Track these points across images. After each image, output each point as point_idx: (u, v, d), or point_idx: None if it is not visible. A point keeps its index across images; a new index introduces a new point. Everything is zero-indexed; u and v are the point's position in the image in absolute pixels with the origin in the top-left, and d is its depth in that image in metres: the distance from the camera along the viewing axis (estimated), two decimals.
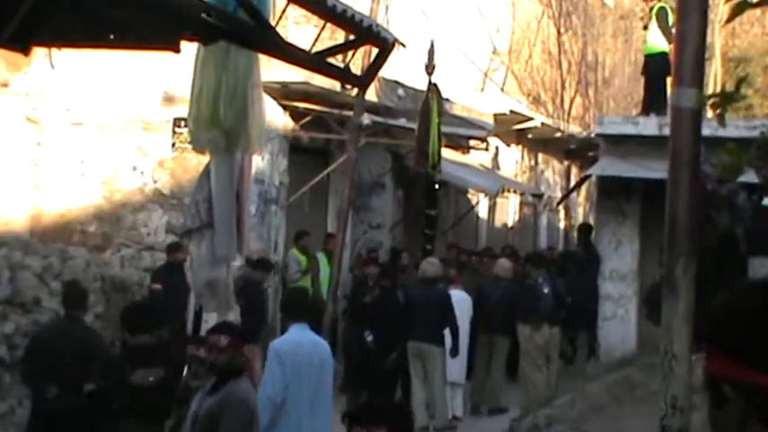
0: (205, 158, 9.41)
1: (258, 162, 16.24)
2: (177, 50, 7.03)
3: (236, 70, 8.48)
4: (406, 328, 15.20)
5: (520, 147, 28.69)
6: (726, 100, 6.77)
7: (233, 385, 7.74)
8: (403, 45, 14.15)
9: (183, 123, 17.20)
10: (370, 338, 15.70)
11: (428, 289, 15.45)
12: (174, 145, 17.62)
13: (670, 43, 17.80)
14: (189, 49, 7.43)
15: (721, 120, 7.09)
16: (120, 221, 17.47)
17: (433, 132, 18.23)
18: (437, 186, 20.22)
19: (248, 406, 7.70)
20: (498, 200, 26.57)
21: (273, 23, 7.81)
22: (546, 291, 16.23)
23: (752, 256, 12.90)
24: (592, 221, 23.35)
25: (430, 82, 18.41)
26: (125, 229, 17.42)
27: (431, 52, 18.42)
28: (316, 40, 8.67)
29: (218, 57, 8.47)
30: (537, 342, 16.16)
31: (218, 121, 8.51)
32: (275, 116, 17.78)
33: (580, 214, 31.85)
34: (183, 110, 17.03)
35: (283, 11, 8.46)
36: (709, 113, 13.33)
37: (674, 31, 15.98)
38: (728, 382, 2.02)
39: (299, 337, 9.04)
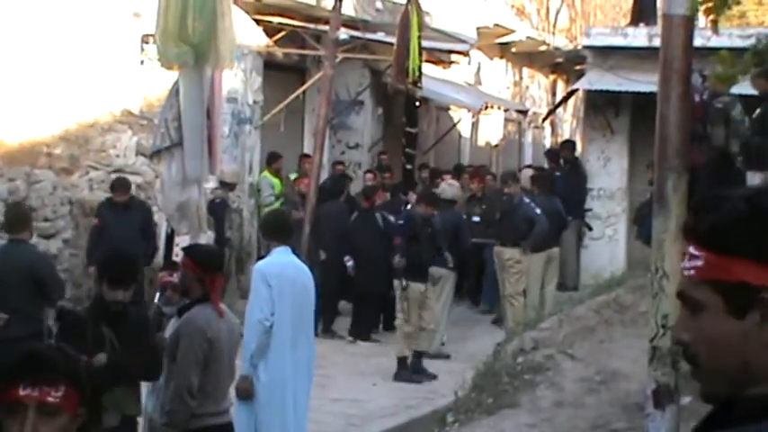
0: (174, 75, 9.08)
1: (231, 80, 15.91)
2: None
3: None
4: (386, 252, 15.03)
5: (504, 61, 28.19)
6: (720, 5, 6.49)
7: (193, 312, 7.60)
8: None
9: (150, 39, 16.69)
10: (350, 264, 15.87)
11: (444, 211, 15.30)
12: (142, 62, 17.21)
13: None
14: None
15: (715, 26, 6.81)
16: (87, 143, 16.97)
17: (413, 47, 17.64)
18: (417, 103, 19.73)
19: (205, 335, 7.51)
20: (481, 116, 26.22)
21: None
22: (538, 212, 15.76)
23: (750, 171, 12.59)
24: (579, 138, 23.10)
25: None
26: (93, 150, 16.95)
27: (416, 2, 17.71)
28: None
29: None
30: (525, 266, 15.79)
31: (187, 36, 8.34)
32: (248, 32, 17.31)
33: (567, 131, 31.50)
34: (150, 26, 16.56)
35: None
36: (702, 21, 12.91)
37: None
38: (718, 284, 1.99)
39: (283, 259, 8.97)
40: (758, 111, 12.46)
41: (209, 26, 8.32)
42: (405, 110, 19.10)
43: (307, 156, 18.65)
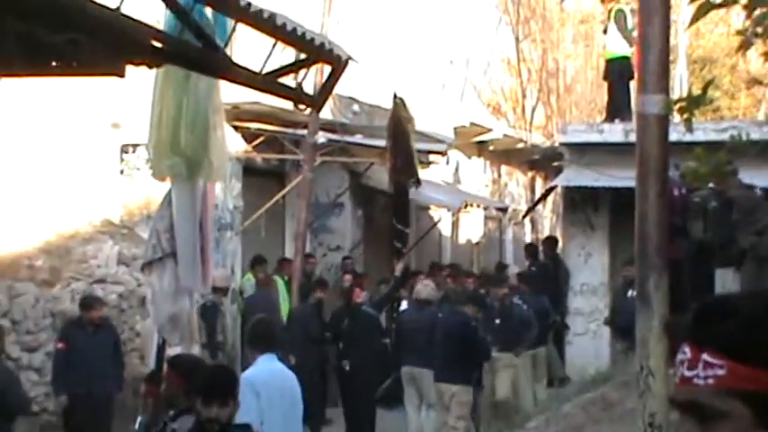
0: (159, 185, 9.17)
1: None
2: (122, 75, 6.88)
3: (197, 94, 8.31)
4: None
5: (482, 159, 28.30)
6: (693, 104, 6.62)
7: (179, 423, 7.35)
8: (356, 61, 13.72)
9: (131, 149, 16.77)
10: (348, 368, 15.94)
11: (421, 311, 15.14)
12: (122, 172, 17.19)
13: (631, 46, 17.51)
14: (135, 74, 7.08)
15: (689, 125, 6.88)
16: (69, 254, 16.91)
17: (412, 144, 17.63)
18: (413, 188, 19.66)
19: None
20: (461, 215, 26.24)
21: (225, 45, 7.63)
22: (531, 313, 15.70)
23: (719, 267, 12.72)
24: (559, 234, 23.11)
25: (395, 96, 17.77)
26: (74, 261, 16.86)
27: (402, 102, 17.75)
28: (267, 59, 8.23)
29: (177, 80, 8.27)
30: (515, 371, 15.68)
31: (179, 148, 8.34)
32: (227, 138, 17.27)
33: (547, 227, 31.56)
34: (130, 136, 16.67)
35: (232, 31, 8.03)
36: (677, 118, 13.02)
37: (635, 33, 15.65)
38: (746, 395, 1.93)
39: (270, 367, 8.91)
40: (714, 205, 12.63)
41: (202, 139, 8.33)
42: (396, 208, 18.86)
43: (286, 260, 18.71)
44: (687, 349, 2.02)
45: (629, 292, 15.89)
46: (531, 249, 21.93)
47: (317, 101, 9.54)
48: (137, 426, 9.05)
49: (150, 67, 7.57)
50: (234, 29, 7.97)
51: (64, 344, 13.69)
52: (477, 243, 28.10)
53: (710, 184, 12.05)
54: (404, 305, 17.86)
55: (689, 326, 2.04)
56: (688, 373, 2.00)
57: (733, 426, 1.95)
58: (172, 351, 9.26)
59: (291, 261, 18.24)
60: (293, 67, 9.06)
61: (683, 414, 2.02)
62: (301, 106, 16.09)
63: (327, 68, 8.78)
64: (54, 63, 7.08)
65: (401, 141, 17.43)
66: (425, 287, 15.63)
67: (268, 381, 8.71)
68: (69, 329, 14.02)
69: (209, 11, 7.55)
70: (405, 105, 17.86)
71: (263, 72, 8.03)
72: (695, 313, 2.04)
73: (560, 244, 20.73)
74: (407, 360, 15.28)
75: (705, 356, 1.97)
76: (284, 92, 8.76)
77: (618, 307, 16.32)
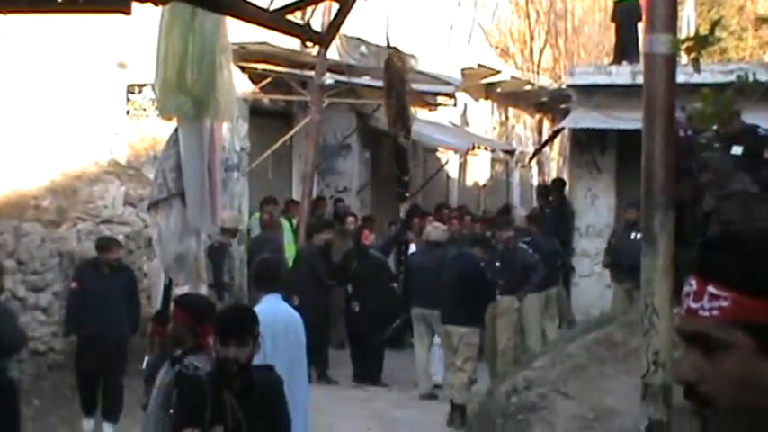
0: (166, 126, 9.16)
1: None
2: (128, 12, 6.68)
3: (203, 33, 8.23)
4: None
5: (489, 102, 28.22)
6: (700, 44, 6.57)
7: (188, 360, 7.32)
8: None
9: (137, 90, 16.74)
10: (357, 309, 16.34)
11: (431, 253, 15.13)
12: (128, 112, 17.13)
13: None
14: (141, 12, 6.98)
15: (696, 65, 6.84)
16: (75, 194, 16.92)
17: (406, 97, 17.60)
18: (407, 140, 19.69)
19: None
20: (469, 158, 26.20)
21: None
22: (537, 257, 15.59)
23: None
24: (566, 176, 23.09)
25: (389, 45, 17.67)
26: (81, 202, 16.87)
27: (396, 52, 17.68)
28: None
29: (183, 19, 8.20)
30: (517, 316, 15.66)
31: (186, 88, 8.27)
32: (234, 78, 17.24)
33: (554, 169, 31.52)
34: (136, 76, 16.63)
35: None
36: (684, 59, 12.98)
37: None
38: (749, 326, 1.97)
39: (274, 308, 8.88)
40: (740, 149, 12.53)
41: (209, 78, 8.28)
42: (395, 156, 18.96)
43: (293, 201, 18.73)
44: (693, 282, 2.05)
45: (633, 235, 15.94)
46: (542, 191, 21.91)
47: (324, 38, 9.50)
48: (144, 365, 9.09)
49: (156, 5, 7.47)
50: None
51: (78, 284, 13.54)
52: (483, 185, 28.09)
53: (714, 127, 12.01)
54: (412, 248, 17.92)
55: (695, 260, 2.07)
56: (693, 305, 2.04)
57: (737, 356, 1.99)
58: (179, 291, 9.29)
59: (298, 203, 18.25)
60: (301, 5, 9.02)
61: (688, 345, 2.06)
62: (308, 46, 16.14)
63: (335, 6, 8.75)
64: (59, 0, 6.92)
65: (393, 94, 17.40)
66: (435, 229, 15.64)
67: (272, 322, 8.61)
68: (84, 270, 13.83)
69: None
70: (400, 55, 17.77)
71: (271, 9, 8.00)
72: (701, 247, 2.08)
73: (567, 186, 20.74)
74: (417, 302, 15.33)
75: (710, 289, 2.01)
76: (292, 29, 8.72)
77: (620, 248, 16.33)
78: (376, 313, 16.33)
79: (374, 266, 16.69)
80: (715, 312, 2.01)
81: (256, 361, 7.14)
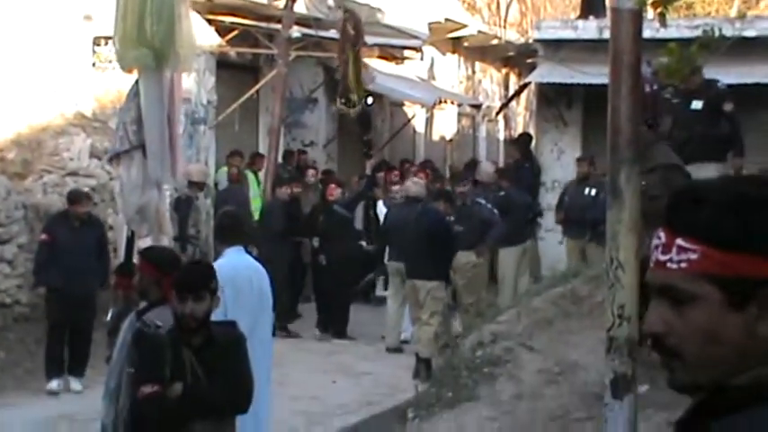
0: (132, 78, 8.98)
1: (184, 80, 15.76)
2: None
3: None
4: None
5: (456, 56, 28.18)
6: None
7: (151, 315, 7.32)
8: None
9: (103, 42, 16.60)
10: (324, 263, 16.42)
11: (408, 208, 14.99)
12: (94, 65, 17.02)
13: None
14: None
15: (662, 20, 6.85)
16: (41, 147, 16.83)
17: (350, 67, 17.54)
18: (370, 101, 19.65)
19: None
20: (435, 112, 26.19)
21: None
22: (495, 212, 15.58)
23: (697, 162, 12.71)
24: (532, 130, 23.12)
25: (345, 10, 17.62)
26: (46, 154, 16.78)
27: (350, 16, 17.62)
28: None
29: None
30: (479, 270, 15.66)
31: (146, 39, 8.28)
32: (200, 32, 17.15)
33: (520, 124, 31.53)
34: (102, 28, 16.49)
35: None
36: (650, 14, 13.03)
37: None
38: (717, 278, 1.99)
39: (237, 261, 8.85)
40: (700, 103, 12.58)
41: (168, 29, 8.28)
42: (358, 115, 18.85)
43: (258, 155, 18.72)
44: (662, 234, 2.07)
45: (586, 190, 16.00)
46: (518, 144, 21.78)
47: None
48: (108, 317, 9.09)
49: None
50: None
51: (47, 236, 13.53)
52: (450, 140, 28.08)
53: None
54: (380, 205, 17.93)
55: (664, 212, 2.08)
56: (662, 258, 2.05)
57: (704, 308, 2.01)
58: (141, 243, 9.29)
59: (264, 156, 18.23)
60: None
61: (656, 297, 2.07)
62: None
63: None
64: None
65: (345, 59, 17.39)
66: (415, 184, 15.54)
67: (233, 275, 8.58)
68: (54, 223, 13.82)
69: None
70: (354, 19, 17.67)
71: None
72: (669, 200, 2.09)
73: (533, 141, 20.79)
74: (394, 256, 15.36)
75: (679, 241, 2.03)
76: None
77: (573, 204, 16.38)
78: (342, 268, 16.38)
79: (339, 222, 16.73)
80: (683, 265, 2.02)
81: (218, 315, 7.16)
